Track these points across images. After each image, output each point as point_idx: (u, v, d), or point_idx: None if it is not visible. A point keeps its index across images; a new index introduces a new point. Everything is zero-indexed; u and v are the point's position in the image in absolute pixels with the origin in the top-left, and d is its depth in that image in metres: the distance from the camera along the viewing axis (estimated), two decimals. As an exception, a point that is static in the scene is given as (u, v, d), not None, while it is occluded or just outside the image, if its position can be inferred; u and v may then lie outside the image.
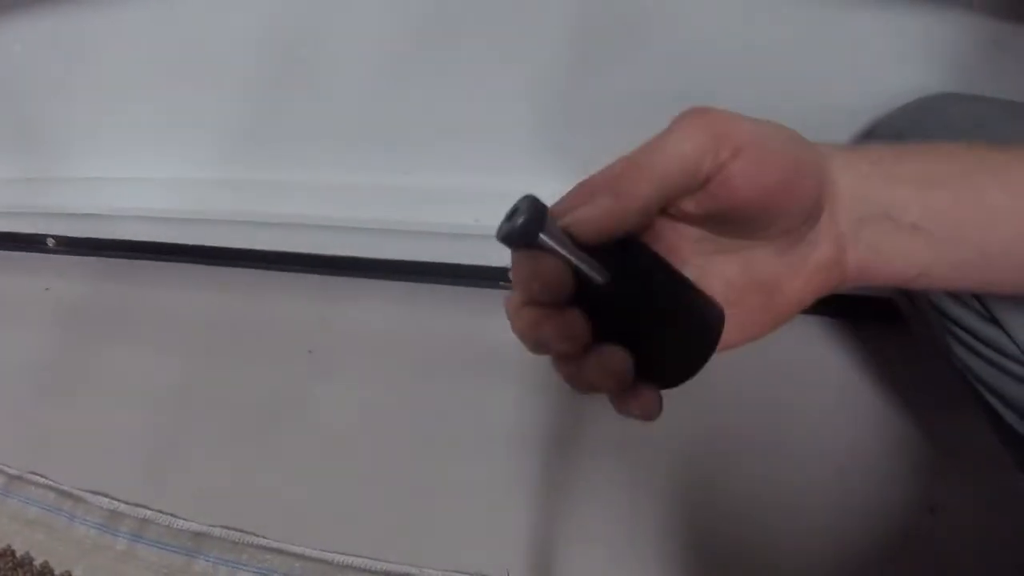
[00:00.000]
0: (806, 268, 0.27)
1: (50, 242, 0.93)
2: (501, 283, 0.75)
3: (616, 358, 0.24)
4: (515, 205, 0.23)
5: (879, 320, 0.66)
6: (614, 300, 0.24)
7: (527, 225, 0.22)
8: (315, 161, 0.73)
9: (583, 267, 0.23)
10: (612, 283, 0.23)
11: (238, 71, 0.68)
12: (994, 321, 0.39)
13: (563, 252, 0.23)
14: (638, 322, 0.24)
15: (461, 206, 0.65)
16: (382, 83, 0.65)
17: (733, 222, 0.25)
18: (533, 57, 0.58)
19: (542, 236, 0.22)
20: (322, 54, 0.64)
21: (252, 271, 0.86)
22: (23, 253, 0.96)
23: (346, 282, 0.82)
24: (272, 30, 0.64)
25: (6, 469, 0.74)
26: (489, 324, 0.76)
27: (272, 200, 0.74)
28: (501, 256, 0.85)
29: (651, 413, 0.25)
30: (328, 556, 0.60)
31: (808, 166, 0.25)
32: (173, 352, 0.82)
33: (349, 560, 0.60)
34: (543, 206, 0.23)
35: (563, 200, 0.24)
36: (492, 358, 0.73)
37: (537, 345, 0.24)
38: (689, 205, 0.25)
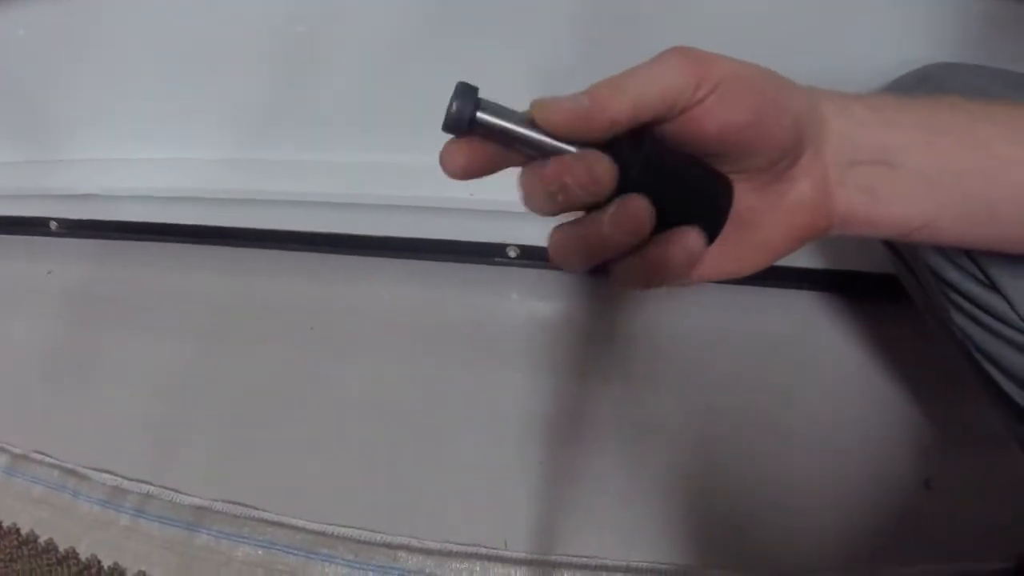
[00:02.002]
0: (784, 205, 0.27)
1: (53, 225, 0.93)
2: (497, 259, 0.75)
3: (638, 202, 0.24)
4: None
5: (877, 296, 0.66)
6: (630, 177, 0.24)
7: (461, 108, 0.23)
8: (314, 140, 0.73)
9: (545, 141, 0.24)
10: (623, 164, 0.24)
11: (240, 51, 0.68)
12: (994, 288, 0.39)
13: (517, 129, 0.24)
14: (655, 191, 0.24)
15: (459, 182, 0.65)
16: (382, 63, 0.65)
17: (707, 155, 0.26)
18: (535, 38, 0.58)
19: (482, 116, 0.24)
20: (323, 33, 0.64)
21: (253, 250, 0.86)
22: (26, 237, 0.97)
23: (346, 259, 0.82)
24: (275, 9, 0.64)
25: (11, 448, 0.74)
26: (488, 300, 0.76)
27: (273, 179, 0.74)
28: (498, 231, 0.85)
29: (697, 251, 0.25)
30: (328, 529, 0.61)
31: (785, 106, 0.25)
32: (175, 332, 0.82)
33: (348, 532, 0.60)
34: (473, 87, 0.24)
35: None
36: (491, 334, 0.73)
37: (558, 197, 0.24)
38: (663, 134, 0.25)
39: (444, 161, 0.25)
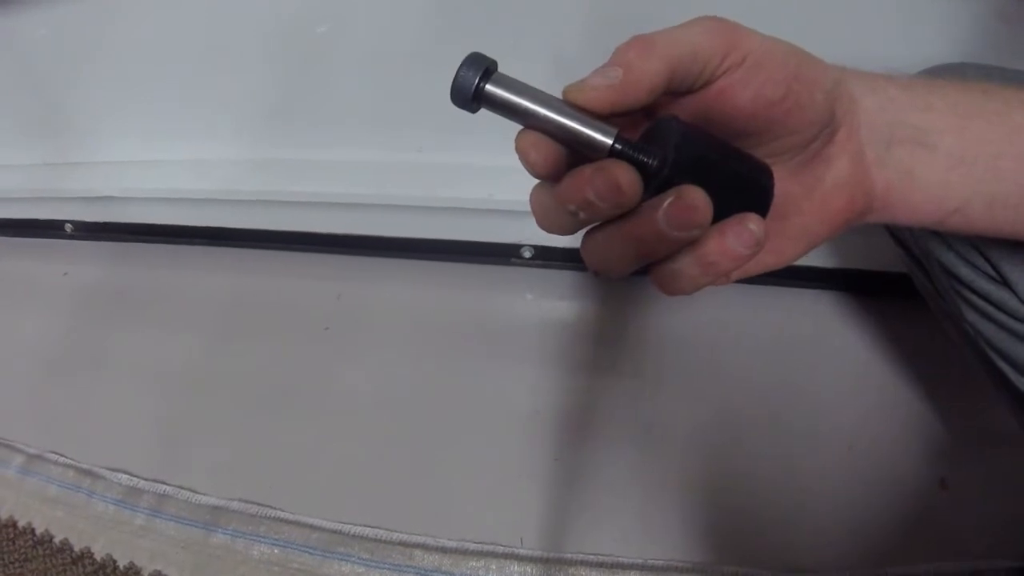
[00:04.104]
0: (822, 187, 0.26)
1: (68, 228, 0.94)
2: (513, 259, 0.75)
3: (695, 194, 0.22)
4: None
5: (890, 295, 0.67)
6: (663, 173, 0.22)
7: (465, 76, 0.22)
8: (330, 140, 0.74)
9: (566, 124, 0.22)
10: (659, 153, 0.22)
11: (255, 52, 0.69)
12: (1005, 283, 0.39)
13: (533, 107, 0.22)
14: (695, 181, 0.22)
15: (475, 182, 0.66)
16: (400, 62, 0.65)
17: (739, 135, 0.25)
18: (547, 39, 0.59)
19: (492, 88, 0.22)
20: (339, 33, 0.65)
21: (269, 251, 0.87)
22: (42, 239, 0.98)
23: (362, 260, 0.83)
24: (290, 11, 0.65)
25: (26, 449, 0.75)
26: (503, 300, 0.76)
27: (289, 180, 0.75)
28: (513, 232, 0.85)
29: (761, 238, 0.23)
30: (344, 528, 0.61)
31: (816, 79, 0.25)
32: (190, 332, 0.83)
33: (364, 531, 0.61)
34: (486, 58, 0.22)
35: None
36: (506, 334, 0.74)
37: (582, 203, 0.22)
38: (683, 111, 0.24)
39: (520, 156, 0.23)
